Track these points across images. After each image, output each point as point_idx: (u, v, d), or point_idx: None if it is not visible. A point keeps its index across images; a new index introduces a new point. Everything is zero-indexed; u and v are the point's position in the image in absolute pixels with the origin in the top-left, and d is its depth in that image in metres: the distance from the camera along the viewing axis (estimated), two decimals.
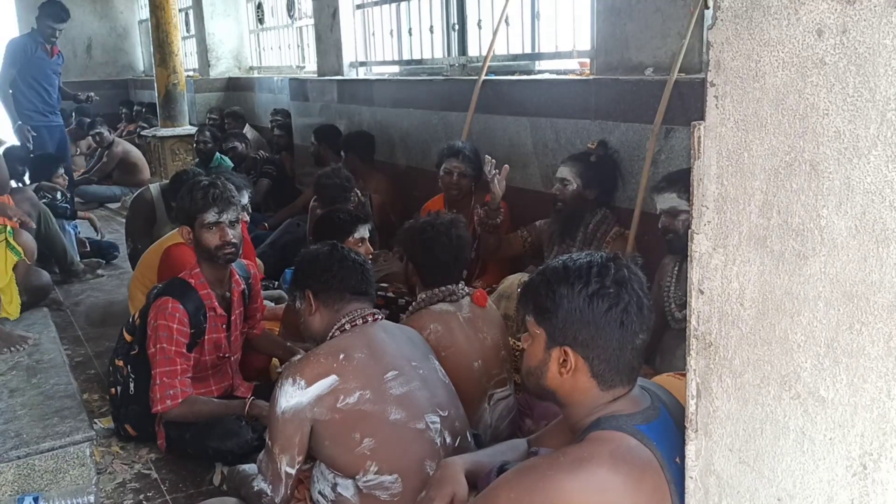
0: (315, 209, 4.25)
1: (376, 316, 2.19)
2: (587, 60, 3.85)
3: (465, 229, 2.62)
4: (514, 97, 4.07)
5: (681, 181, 2.71)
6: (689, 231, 1.27)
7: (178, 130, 7.55)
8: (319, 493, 2.05)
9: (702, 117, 1.23)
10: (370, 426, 1.95)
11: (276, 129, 6.70)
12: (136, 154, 8.20)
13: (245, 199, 3.72)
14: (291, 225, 4.95)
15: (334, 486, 2.00)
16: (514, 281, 3.35)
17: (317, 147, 5.48)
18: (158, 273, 3.44)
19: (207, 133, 6.59)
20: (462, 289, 2.55)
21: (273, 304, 3.85)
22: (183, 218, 2.86)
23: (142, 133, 8.49)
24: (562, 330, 1.49)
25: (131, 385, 2.90)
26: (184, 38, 8.99)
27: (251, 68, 9.17)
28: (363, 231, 3.25)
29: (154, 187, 4.73)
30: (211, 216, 2.78)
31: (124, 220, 5.17)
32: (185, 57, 9.24)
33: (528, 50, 4.30)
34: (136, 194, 5.00)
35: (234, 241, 2.80)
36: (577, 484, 1.38)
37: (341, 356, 1.99)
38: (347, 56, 5.99)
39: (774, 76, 1.11)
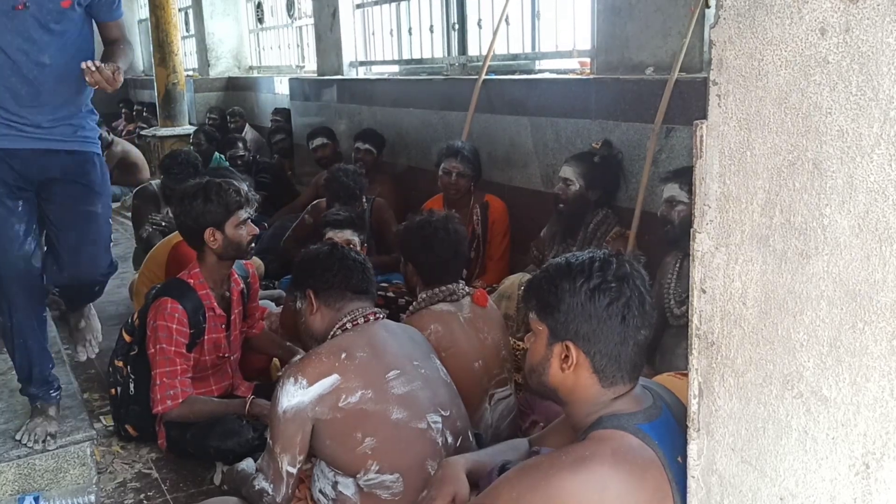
0: (318, 207, 4.26)
1: (378, 315, 2.19)
2: (587, 60, 3.85)
3: (460, 224, 2.63)
4: (514, 97, 4.07)
5: (685, 173, 2.73)
6: (692, 230, 1.27)
7: (178, 130, 7.55)
8: (320, 491, 2.05)
9: (704, 116, 1.23)
10: (372, 425, 1.94)
11: (277, 133, 6.64)
12: (136, 154, 8.21)
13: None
14: (283, 228, 4.93)
15: (335, 485, 2.00)
16: (515, 281, 3.35)
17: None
18: (166, 269, 3.44)
19: (202, 135, 6.57)
20: (462, 288, 2.55)
21: (273, 305, 3.84)
22: (209, 220, 2.77)
23: (141, 133, 8.50)
24: (563, 325, 1.50)
25: (131, 385, 2.90)
26: (183, 38, 9.00)
27: (251, 68, 9.18)
28: (337, 234, 3.28)
29: (156, 183, 4.77)
30: (244, 214, 2.82)
31: (125, 218, 5.16)
32: (185, 56, 9.24)
33: (528, 49, 4.30)
34: (137, 189, 5.00)
35: (256, 233, 2.90)
36: (578, 483, 1.38)
37: (343, 355, 1.99)
38: (347, 56, 5.99)
39: (777, 75, 1.11)
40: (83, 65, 2.34)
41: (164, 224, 4.10)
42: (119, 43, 2.63)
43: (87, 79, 2.37)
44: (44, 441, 2.53)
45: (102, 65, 2.36)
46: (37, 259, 2.53)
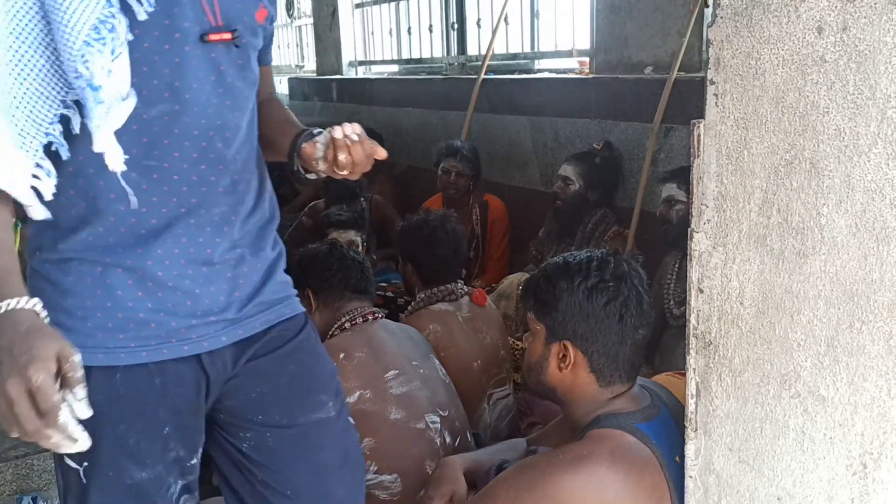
0: (316, 208, 4.25)
1: (377, 315, 2.19)
2: (587, 59, 3.84)
3: (459, 223, 2.64)
4: (513, 96, 4.06)
5: (683, 173, 2.73)
6: (689, 230, 1.27)
7: None
8: None
9: (701, 115, 1.23)
10: (370, 426, 1.94)
11: None
12: None
13: None
14: (282, 227, 4.90)
15: None
16: (514, 281, 3.35)
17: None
18: None
19: None
20: (461, 288, 2.55)
21: None
22: None
23: None
24: (561, 324, 1.50)
25: None
26: None
27: None
28: (341, 234, 3.27)
29: None
30: None
31: None
32: None
33: (527, 49, 4.30)
34: None
35: None
36: (576, 481, 1.38)
37: (341, 355, 1.99)
38: (347, 55, 5.99)
39: (774, 74, 1.11)
40: (337, 131, 1.19)
41: None
42: (280, 104, 1.49)
43: (340, 158, 1.20)
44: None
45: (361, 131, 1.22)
46: None
